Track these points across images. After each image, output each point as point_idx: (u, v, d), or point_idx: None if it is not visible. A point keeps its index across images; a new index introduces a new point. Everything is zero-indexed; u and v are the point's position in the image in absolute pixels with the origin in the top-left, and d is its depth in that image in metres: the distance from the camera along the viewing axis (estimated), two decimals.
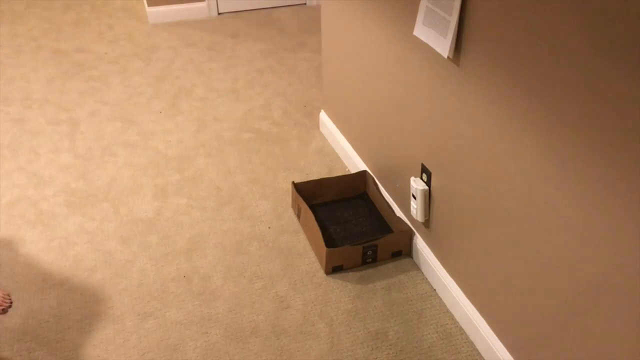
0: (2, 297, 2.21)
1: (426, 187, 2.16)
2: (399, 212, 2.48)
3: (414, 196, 2.21)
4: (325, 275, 2.33)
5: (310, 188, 2.63)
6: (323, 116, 3.19)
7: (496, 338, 1.93)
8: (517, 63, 1.56)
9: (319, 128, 3.27)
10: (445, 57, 1.83)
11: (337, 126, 3.03)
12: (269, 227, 2.57)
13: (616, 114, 1.28)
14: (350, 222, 2.56)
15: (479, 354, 2.02)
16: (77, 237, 2.52)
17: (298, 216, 2.60)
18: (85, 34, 4.43)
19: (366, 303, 2.21)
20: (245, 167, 2.96)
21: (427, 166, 2.14)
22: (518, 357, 1.85)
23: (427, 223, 2.25)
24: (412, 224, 2.38)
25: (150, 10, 4.56)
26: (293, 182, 2.60)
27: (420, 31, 1.95)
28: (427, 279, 2.31)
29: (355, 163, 2.83)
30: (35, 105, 3.48)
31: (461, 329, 2.10)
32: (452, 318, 2.15)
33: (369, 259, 2.36)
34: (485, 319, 1.99)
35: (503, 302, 1.86)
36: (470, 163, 1.86)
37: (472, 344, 2.05)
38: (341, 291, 2.26)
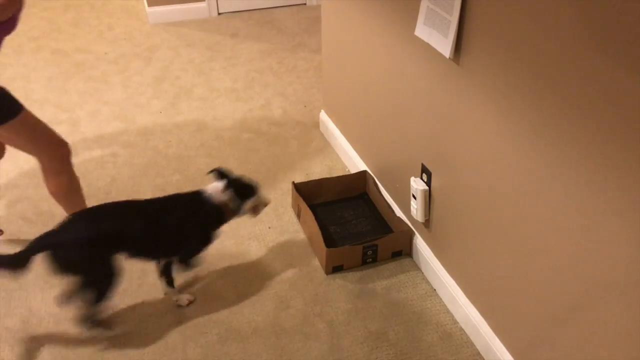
0: None
1: (426, 187, 2.16)
2: (399, 212, 2.48)
3: (414, 196, 2.21)
4: (325, 275, 2.33)
5: (311, 188, 2.63)
6: (323, 116, 3.19)
7: (496, 338, 1.93)
8: (517, 62, 1.56)
9: (319, 128, 3.27)
10: (447, 56, 1.83)
11: (337, 126, 3.03)
12: (269, 227, 2.57)
13: (618, 114, 1.28)
14: (350, 222, 2.56)
15: (479, 354, 2.02)
16: None
17: (298, 216, 2.60)
18: (85, 34, 4.43)
19: (366, 303, 2.21)
20: (245, 167, 2.96)
21: (427, 166, 2.14)
22: (518, 357, 1.85)
23: (427, 223, 2.25)
24: (412, 224, 2.38)
25: (150, 10, 4.56)
26: (293, 182, 2.60)
27: (422, 31, 1.95)
28: (427, 279, 2.31)
29: (355, 163, 2.83)
30: (35, 105, 3.47)
31: (461, 329, 2.10)
32: (452, 318, 2.15)
33: (369, 259, 2.36)
34: (485, 319, 1.99)
35: (503, 302, 1.86)
36: (471, 163, 1.87)
37: (472, 344, 2.05)
38: (341, 291, 2.26)
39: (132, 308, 2.20)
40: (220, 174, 2.13)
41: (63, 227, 1.92)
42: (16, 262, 1.86)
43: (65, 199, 2.32)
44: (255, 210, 2.21)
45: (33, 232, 2.54)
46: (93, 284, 1.95)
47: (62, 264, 1.88)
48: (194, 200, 2.07)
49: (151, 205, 2.05)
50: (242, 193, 2.12)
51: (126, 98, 3.58)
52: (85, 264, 1.91)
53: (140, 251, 2.03)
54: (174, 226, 2.01)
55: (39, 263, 2.39)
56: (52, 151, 2.21)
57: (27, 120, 2.12)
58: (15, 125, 2.07)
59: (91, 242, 1.89)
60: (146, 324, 2.14)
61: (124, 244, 1.96)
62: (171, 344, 2.06)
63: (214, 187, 2.09)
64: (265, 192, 2.78)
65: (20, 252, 1.86)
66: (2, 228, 2.57)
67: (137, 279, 2.31)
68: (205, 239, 2.11)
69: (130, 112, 3.44)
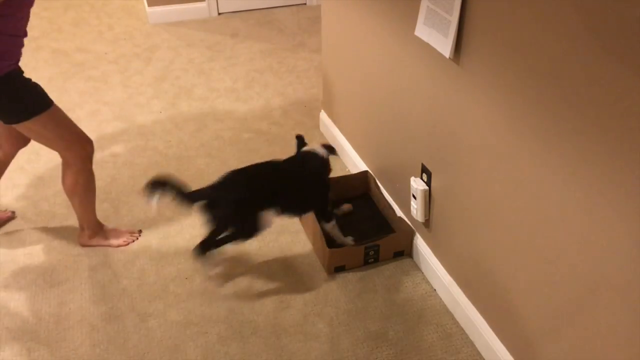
0: (131, 233, 2.53)
1: (426, 187, 2.16)
2: (399, 212, 2.48)
3: (414, 196, 2.21)
4: (325, 275, 2.33)
5: None
6: (323, 116, 3.19)
7: (496, 338, 1.93)
8: (517, 62, 1.56)
9: (319, 128, 3.27)
10: (447, 56, 1.83)
11: (337, 126, 3.03)
12: (269, 227, 2.57)
13: (618, 114, 1.28)
14: (351, 223, 2.56)
15: (479, 353, 2.02)
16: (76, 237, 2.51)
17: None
18: (85, 34, 4.43)
19: (366, 303, 2.21)
20: None
21: (427, 166, 2.14)
22: (518, 357, 1.85)
23: (427, 223, 2.25)
24: (412, 224, 2.38)
25: (150, 10, 4.56)
26: None
27: (422, 31, 1.95)
28: (427, 279, 2.31)
29: (355, 163, 2.83)
30: None
31: (461, 329, 2.10)
32: (452, 318, 2.15)
33: (371, 259, 2.36)
34: (485, 318, 1.99)
35: (503, 302, 1.86)
36: (471, 163, 1.86)
37: (472, 344, 2.05)
38: (341, 291, 2.26)
39: (132, 308, 2.20)
40: (301, 138, 2.45)
41: (222, 183, 2.18)
42: (187, 200, 2.12)
43: (78, 197, 2.33)
44: None
45: (33, 232, 2.55)
46: (237, 232, 2.22)
47: (215, 215, 2.14)
48: (313, 156, 2.34)
49: (286, 164, 2.33)
50: (332, 153, 2.43)
51: (126, 98, 3.58)
52: (233, 219, 2.19)
53: (287, 206, 2.27)
54: (309, 178, 2.32)
55: (39, 262, 2.39)
56: (78, 148, 2.23)
57: (56, 115, 2.14)
58: (44, 119, 2.09)
59: (242, 201, 2.15)
60: (146, 324, 2.13)
61: (274, 201, 2.20)
62: (171, 344, 2.06)
63: (314, 147, 2.38)
64: None
65: (190, 193, 2.12)
66: (2, 228, 2.57)
67: (137, 279, 2.32)
68: (327, 187, 2.39)
69: (130, 112, 3.44)
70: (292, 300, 2.23)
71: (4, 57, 1.96)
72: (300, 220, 2.57)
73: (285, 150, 3.08)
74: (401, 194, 2.43)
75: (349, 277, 2.32)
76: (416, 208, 2.22)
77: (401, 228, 2.40)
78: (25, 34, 2.04)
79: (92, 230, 2.42)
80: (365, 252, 2.32)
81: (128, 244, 2.47)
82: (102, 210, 2.65)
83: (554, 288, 1.60)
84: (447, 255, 2.16)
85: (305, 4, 4.90)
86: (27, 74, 2.08)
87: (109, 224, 2.57)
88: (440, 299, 2.22)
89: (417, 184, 2.18)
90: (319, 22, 4.63)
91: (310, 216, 2.39)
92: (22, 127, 2.10)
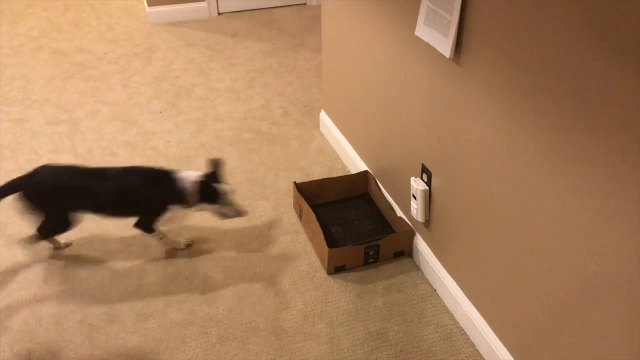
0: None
1: (426, 187, 2.16)
2: (399, 213, 2.48)
3: (414, 196, 2.21)
4: (325, 275, 2.33)
5: (312, 188, 2.63)
6: (323, 116, 3.19)
7: (496, 338, 1.93)
8: (518, 62, 1.55)
9: (319, 128, 3.27)
10: (447, 56, 1.83)
11: (337, 126, 3.03)
12: (269, 227, 2.57)
13: (617, 114, 1.27)
14: (352, 223, 2.56)
15: (479, 354, 2.02)
16: (77, 238, 2.51)
17: (300, 216, 2.60)
18: (85, 34, 4.43)
19: (366, 303, 2.21)
20: (245, 167, 2.96)
21: (427, 166, 2.14)
22: (518, 357, 1.85)
23: (427, 223, 2.25)
24: (412, 224, 2.38)
25: (150, 10, 4.56)
26: (295, 183, 2.60)
27: (422, 31, 1.95)
28: (427, 279, 2.31)
29: (355, 163, 2.83)
30: (35, 105, 3.48)
31: (461, 329, 2.10)
32: (453, 318, 2.15)
33: (371, 259, 2.36)
34: (485, 319, 1.99)
35: (503, 302, 1.86)
36: (471, 163, 1.86)
37: (472, 345, 2.05)
38: (341, 291, 2.26)
39: (132, 308, 2.20)
40: (214, 163, 2.33)
41: (35, 174, 2.25)
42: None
43: None
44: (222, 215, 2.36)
45: (33, 231, 2.55)
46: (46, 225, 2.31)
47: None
48: (152, 176, 2.30)
49: (115, 174, 2.30)
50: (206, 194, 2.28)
51: (126, 98, 3.58)
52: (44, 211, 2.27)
53: (101, 210, 2.33)
54: (133, 192, 2.26)
55: (39, 262, 2.39)
56: None
57: None
58: None
59: (51, 197, 2.23)
60: (146, 324, 2.13)
61: (85, 204, 2.27)
62: (171, 344, 2.06)
63: (184, 174, 2.28)
64: (265, 192, 2.78)
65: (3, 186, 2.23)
66: (0, 227, 2.57)
67: (137, 279, 2.31)
68: (154, 206, 2.32)
69: (130, 112, 3.44)
70: (292, 300, 2.23)
71: None
72: (301, 220, 2.57)
73: (285, 150, 3.09)
74: (401, 194, 2.43)
75: (349, 277, 2.32)
76: (416, 208, 2.22)
77: (401, 228, 2.40)
78: None
79: None
80: (365, 252, 2.32)
81: None
82: None
83: (554, 288, 1.60)
84: (447, 255, 2.16)
85: (305, 4, 4.90)
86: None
87: (109, 223, 2.57)
88: (441, 299, 2.22)
89: (417, 184, 2.18)
90: (319, 22, 4.64)
91: (312, 216, 2.39)
92: None
